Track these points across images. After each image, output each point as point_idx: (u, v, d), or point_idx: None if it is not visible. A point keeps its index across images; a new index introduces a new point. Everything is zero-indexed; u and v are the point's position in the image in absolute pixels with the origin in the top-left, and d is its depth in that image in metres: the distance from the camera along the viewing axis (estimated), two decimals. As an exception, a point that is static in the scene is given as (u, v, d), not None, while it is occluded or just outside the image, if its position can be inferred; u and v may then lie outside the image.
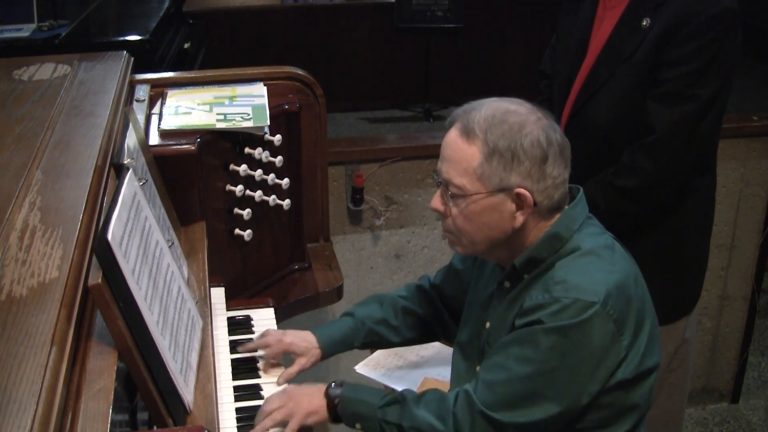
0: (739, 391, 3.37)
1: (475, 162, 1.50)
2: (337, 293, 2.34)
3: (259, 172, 2.12)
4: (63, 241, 1.34)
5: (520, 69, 6.49)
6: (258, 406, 1.69)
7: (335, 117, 6.20)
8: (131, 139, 1.68)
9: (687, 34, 1.88)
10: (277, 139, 2.16)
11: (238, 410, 1.69)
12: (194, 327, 1.61)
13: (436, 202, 1.59)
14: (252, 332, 1.96)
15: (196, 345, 1.59)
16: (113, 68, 2.16)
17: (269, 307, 2.07)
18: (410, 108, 6.59)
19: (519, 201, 1.52)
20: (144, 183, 1.59)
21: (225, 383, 1.75)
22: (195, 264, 1.85)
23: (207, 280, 1.82)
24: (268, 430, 1.61)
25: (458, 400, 1.55)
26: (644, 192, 1.99)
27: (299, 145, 2.29)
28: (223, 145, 2.06)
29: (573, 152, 1.58)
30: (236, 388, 1.75)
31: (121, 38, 3.50)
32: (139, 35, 3.48)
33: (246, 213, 2.10)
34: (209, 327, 1.70)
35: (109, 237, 1.24)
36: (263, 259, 2.27)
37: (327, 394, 1.65)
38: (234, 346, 1.87)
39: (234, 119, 2.07)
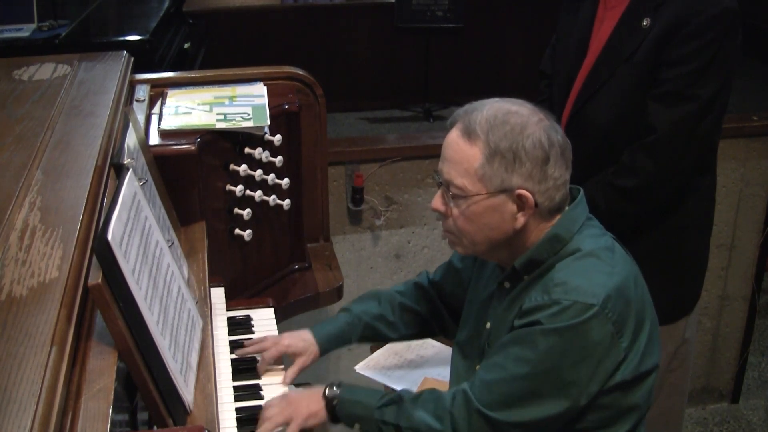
0: (739, 391, 3.37)
1: (477, 163, 1.50)
2: (337, 293, 2.34)
3: (259, 172, 2.12)
4: (63, 241, 1.34)
5: (520, 69, 6.49)
6: (258, 406, 1.70)
7: (335, 117, 6.20)
8: (131, 139, 1.68)
9: (687, 34, 1.88)
10: (277, 139, 2.16)
11: (238, 410, 1.68)
12: (194, 327, 1.61)
13: (437, 202, 1.59)
14: (252, 332, 1.96)
15: (196, 345, 1.59)
16: (113, 68, 2.16)
17: (269, 307, 2.07)
18: (410, 108, 6.59)
19: (520, 202, 1.52)
20: (144, 183, 1.59)
21: (225, 383, 1.74)
22: (195, 264, 1.85)
23: (207, 280, 1.82)
24: None
25: (455, 400, 1.55)
26: (644, 192, 1.99)
27: (299, 145, 2.29)
28: (223, 145, 2.06)
29: (573, 152, 1.58)
30: (236, 388, 1.75)
31: (121, 38, 3.50)
32: (139, 35, 3.48)
33: (246, 213, 2.10)
34: (209, 327, 1.70)
35: (109, 237, 1.24)
36: (263, 259, 2.27)
37: (325, 396, 1.65)
38: (234, 346, 1.87)
39: (234, 119, 2.07)
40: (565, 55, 2.14)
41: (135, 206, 1.43)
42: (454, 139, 1.54)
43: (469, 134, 1.51)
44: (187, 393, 1.43)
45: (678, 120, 1.92)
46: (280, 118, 2.20)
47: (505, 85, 6.15)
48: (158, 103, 2.16)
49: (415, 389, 2.01)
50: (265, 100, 2.18)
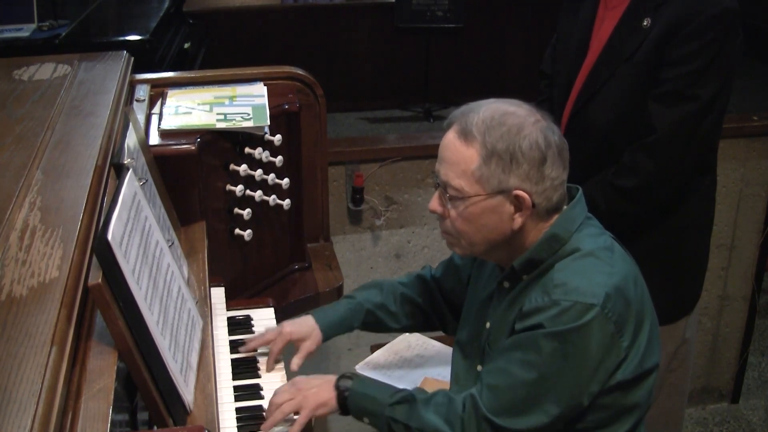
0: (739, 391, 3.37)
1: (474, 164, 1.50)
2: (337, 293, 2.34)
3: (259, 172, 2.12)
4: (63, 241, 1.34)
5: (520, 69, 6.48)
6: (258, 406, 1.70)
7: (335, 117, 6.20)
8: (131, 139, 1.68)
9: (687, 34, 1.88)
10: (277, 139, 2.16)
11: (238, 410, 1.68)
12: (194, 327, 1.61)
13: (435, 203, 1.59)
14: (252, 332, 1.95)
15: (196, 345, 1.59)
16: (113, 68, 2.16)
17: (269, 307, 2.07)
18: (410, 108, 6.59)
19: (517, 203, 1.52)
20: (144, 183, 1.59)
21: (225, 383, 1.74)
22: (195, 264, 1.85)
23: (207, 280, 1.82)
24: (278, 422, 1.61)
25: (466, 405, 1.55)
26: (644, 192, 1.99)
27: (299, 145, 2.29)
28: (223, 145, 2.06)
29: (573, 152, 1.58)
30: (236, 388, 1.75)
31: (121, 38, 3.50)
32: (139, 35, 3.48)
33: (246, 213, 2.10)
34: (209, 327, 1.70)
35: (109, 237, 1.24)
36: (263, 259, 2.27)
37: (337, 386, 1.64)
38: (234, 346, 1.87)
39: (234, 119, 2.07)
40: (566, 55, 2.14)
41: (135, 206, 1.43)
42: (451, 140, 1.54)
43: (465, 135, 1.51)
44: (187, 393, 1.43)
45: (678, 120, 1.92)
46: (280, 118, 2.20)
47: (505, 85, 6.15)
48: (158, 103, 2.16)
49: (415, 389, 2.01)
50: (265, 100, 2.18)
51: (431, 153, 2.85)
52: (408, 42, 6.45)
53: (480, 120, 1.51)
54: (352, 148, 2.89)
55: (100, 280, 1.21)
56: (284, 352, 1.85)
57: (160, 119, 2.06)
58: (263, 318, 2.02)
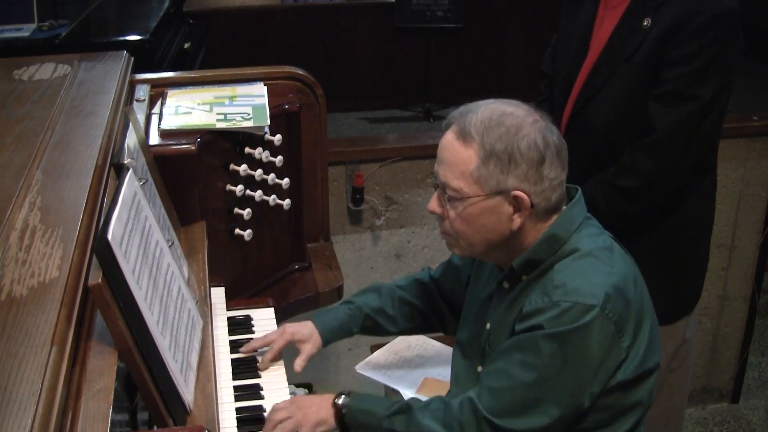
0: (739, 391, 3.37)
1: (472, 165, 1.50)
2: (337, 293, 2.34)
3: (259, 172, 2.12)
4: (63, 241, 1.33)
5: (520, 69, 6.49)
6: (258, 406, 1.70)
7: (335, 117, 6.20)
8: (131, 139, 1.68)
9: (688, 34, 1.88)
10: (277, 139, 2.16)
11: (238, 410, 1.68)
12: (194, 327, 1.61)
13: (434, 204, 1.59)
14: (252, 332, 1.96)
15: (196, 345, 1.59)
16: (113, 68, 2.16)
17: (269, 307, 2.07)
18: (410, 108, 6.59)
19: (516, 203, 1.52)
20: (144, 183, 1.59)
21: (225, 383, 1.74)
22: (195, 264, 1.85)
23: (207, 280, 1.82)
24: None
25: (463, 408, 1.55)
26: (644, 192, 1.99)
27: (299, 145, 2.29)
28: (223, 145, 2.06)
29: (573, 152, 1.58)
30: (236, 388, 1.75)
31: (121, 38, 3.50)
32: (139, 35, 3.47)
33: (246, 213, 2.10)
34: (209, 327, 1.70)
35: (109, 237, 1.24)
36: (263, 259, 2.27)
37: (334, 404, 1.65)
38: (234, 346, 1.87)
39: (234, 119, 2.07)
40: (566, 55, 2.14)
41: (135, 206, 1.43)
42: (449, 141, 1.54)
43: (464, 136, 1.51)
44: (187, 393, 1.43)
45: (678, 120, 1.92)
46: (280, 118, 2.20)
47: (505, 85, 6.15)
48: (158, 103, 2.16)
49: (415, 389, 2.01)
50: (265, 100, 2.18)
51: (431, 153, 2.83)
52: (408, 42, 6.45)
53: (478, 120, 1.51)
54: (352, 148, 2.89)
55: (100, 280, 1.21)
56: (285, 354, 1.85)
57: (160, 119, 2.06)
58: (263, 318, 2.02)
